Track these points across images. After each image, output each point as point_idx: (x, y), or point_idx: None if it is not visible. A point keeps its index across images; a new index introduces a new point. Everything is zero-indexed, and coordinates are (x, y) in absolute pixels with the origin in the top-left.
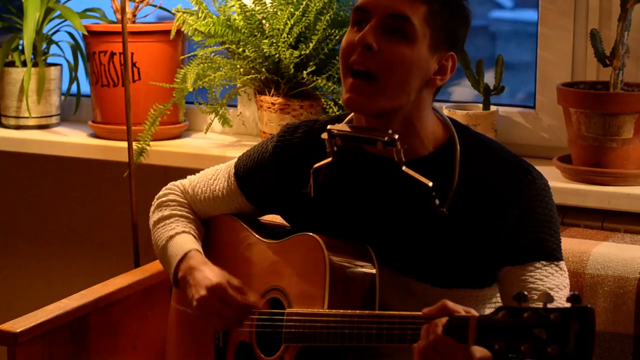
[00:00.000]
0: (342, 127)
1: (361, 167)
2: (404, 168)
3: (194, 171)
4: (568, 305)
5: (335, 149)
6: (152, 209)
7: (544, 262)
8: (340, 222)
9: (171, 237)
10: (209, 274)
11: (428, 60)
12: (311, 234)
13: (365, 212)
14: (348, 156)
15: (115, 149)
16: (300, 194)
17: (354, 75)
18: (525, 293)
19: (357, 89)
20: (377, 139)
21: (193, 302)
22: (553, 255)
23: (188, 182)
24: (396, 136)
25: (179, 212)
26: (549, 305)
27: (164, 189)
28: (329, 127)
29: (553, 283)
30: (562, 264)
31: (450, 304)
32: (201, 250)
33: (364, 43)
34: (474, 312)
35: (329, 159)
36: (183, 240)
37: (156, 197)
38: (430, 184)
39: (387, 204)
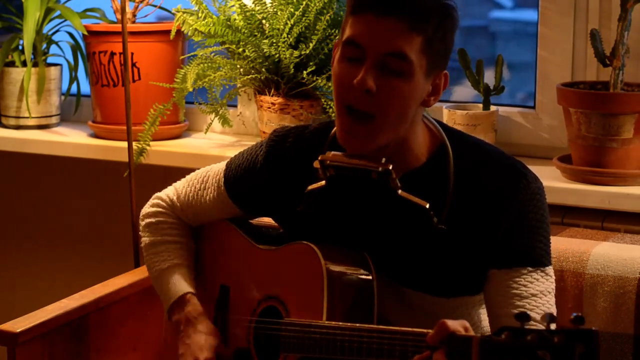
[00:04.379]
0: (334, 157)
1: (355, 187)
2: (399, 192)
3: (194, 171)
4: (553, 314)
5: (327, 175)
6: (141, 226)
7: (530, 268)
8: (336, 238)
9: (163, 270)
10: (202, 340)
11: (423, 86)
12: (308, 242)
13: (362, 228)
14: (342, 179)
15: (115, 149)
16: (294, 207)
17: (349, 112)
18: (528, 313)
19: (354, 131)
20: (371, 170)
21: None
22: (540, 261)
23: (174, 193)
24: (390, 166)
25: (170, 238)
26: (552, 327)
27: (150, 204)
28: (320, 157)
29: (537, 289)
30: (549, 269)
31: (450, 323)
32: (194, 290)
33: (365, 88)
34: (471, 329)
35: (323, 183)
36: (177, 278)
37: (144, 214)
38: (427, 205)
39: (384, 221)
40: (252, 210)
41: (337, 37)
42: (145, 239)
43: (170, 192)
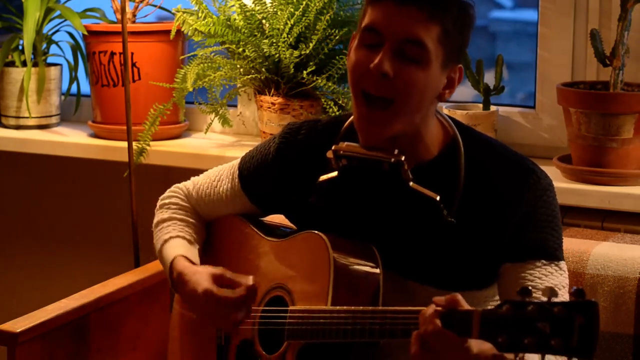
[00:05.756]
0: (348, 147)
1: (367, 179)
2: (411, 184)
3: (194, 171)
4: (554, 288)
5: (340, 165)
6: (156, 209)
7: (544, 261)
8: (346, 229)
9: (165, 241)
10: (192, 286)
11: (439, 78)
12: (316, 232)
13: (372, 220)
14: (354, 170)
15: (115, 149)
16: (305, 198)
17: (366, 99)
18: (530, 288)
19: (371, 118)
20: (383, 161)
21: (195, 312)
22: (554, 254)
23: (192, 184)
24: (403, 157)
25: (178, 216)
26: (553, 300)
27: (168, 191)
28: (334, 147)
29: (552, 282)
30: (562, 264)
31: (461, 298)
32: (187, 253)
33: (381, 72)
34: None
35: (335, 173)
36: (173, 246)
37: (160, 198)
38: (438, 197)
39: (394, 213)
40: (264, 203)
41: (337, 37)
42: (155, 218)
43: (187, 184)
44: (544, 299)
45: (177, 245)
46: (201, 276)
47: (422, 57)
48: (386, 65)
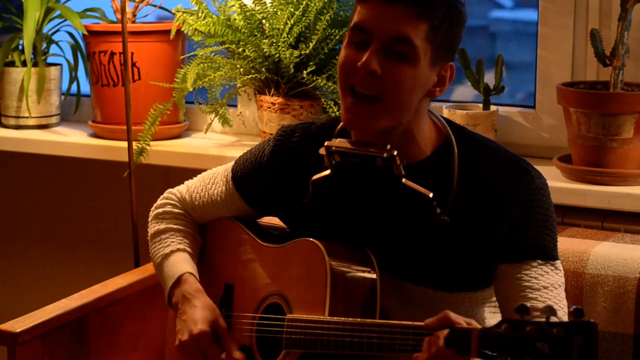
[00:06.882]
0: (340, 143)
1: (360, 177)
2: (403, 180)
3: (194, 171)
4: (564, 307)
5: (333, 162)
6: (149, 219)
7: (540, 261)
8: (340, 229)
9: (166, 255)
10: (197, 314)
11: (429, 75)
12: (312, 239)
13: (366, 219)
14: (347, 167)
15: (115, 149)
16: (300, 200)
17: (353, 94)
18: (528, 305)
19: (358, 110)
20: (376, 156)
21: (176, 340)
22: (549, 254)
23: (185, 188)
24: (395, 152)
25: (175, 226)
26: (552, 319)
27: (161, 198)
28: (326, 143)
29: (548, 282)
30: (558, 263)
31: (452, 315)
32: (195, 272)
33: (368, 70)
34: (475, 324)
35: (328, 171)
36: (177, 260)
37: (153, 206)
38: (431, 194)
39: (388, 212)
40: (258, 205)
41: (337, 37)
42: (151, 229)
43: (181, 188)
44: (542, 317)
45: (182, 260)
46: (204, 314)
47: (410, 54)
48: (374, 63)
